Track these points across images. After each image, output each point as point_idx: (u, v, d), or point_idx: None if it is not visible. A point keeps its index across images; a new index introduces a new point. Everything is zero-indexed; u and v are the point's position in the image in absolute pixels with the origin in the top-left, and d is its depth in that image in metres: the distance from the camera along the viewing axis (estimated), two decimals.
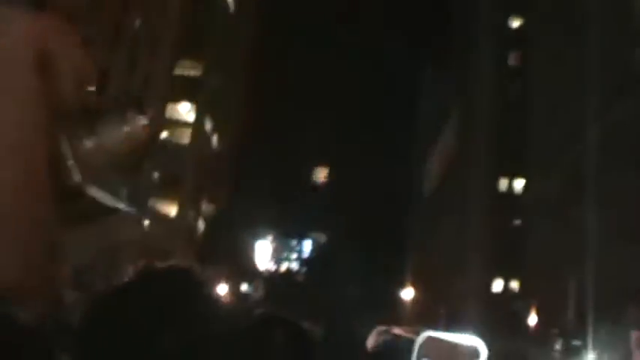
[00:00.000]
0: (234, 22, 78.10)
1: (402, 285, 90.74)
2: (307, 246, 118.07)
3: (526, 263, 59.96)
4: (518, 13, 76.16)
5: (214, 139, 74.61)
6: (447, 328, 69.43)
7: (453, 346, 2.74)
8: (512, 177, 72.80)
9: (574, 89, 50.86)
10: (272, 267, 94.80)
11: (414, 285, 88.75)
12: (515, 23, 77.53)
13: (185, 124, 66.78)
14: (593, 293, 38.82)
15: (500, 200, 71.23)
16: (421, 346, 3.01)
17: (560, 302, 43.66)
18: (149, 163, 39.49)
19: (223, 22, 73.15)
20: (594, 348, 37.61)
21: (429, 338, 3.04)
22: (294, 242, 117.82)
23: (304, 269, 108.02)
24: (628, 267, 36.02)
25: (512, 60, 76.66)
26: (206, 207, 73.31)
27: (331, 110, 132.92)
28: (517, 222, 67.88)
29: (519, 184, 71.81)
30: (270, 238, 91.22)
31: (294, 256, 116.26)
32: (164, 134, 48.98)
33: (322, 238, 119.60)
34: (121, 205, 1.55)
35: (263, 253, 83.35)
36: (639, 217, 37.19)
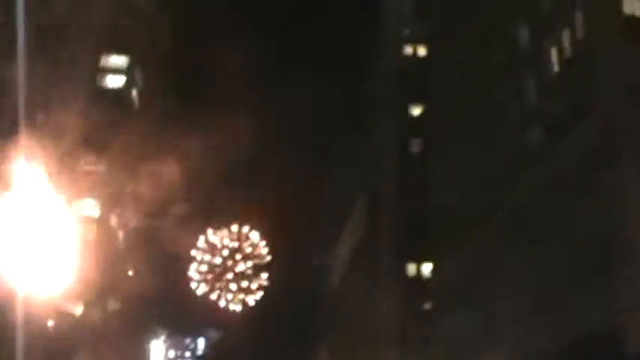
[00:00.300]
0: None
1: None
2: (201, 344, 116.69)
3: (435, 346, 60.22)
4: (419, 100, 77.99)
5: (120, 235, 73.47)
6: None
7: None
8: (419, 262, 73.56)
9: (475, 172, 52.13)
10: None
11: None
12: (417, 111, 79.40)
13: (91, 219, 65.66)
14: None
15: (409, 285, 71.75)
16: None
17: None
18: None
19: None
20: None
21: None
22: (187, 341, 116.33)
23: None
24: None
25: (414, 147, 78.19)
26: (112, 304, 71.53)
27: None
28: (427, 306, 68.36)
29: (427, 268, 72.56)
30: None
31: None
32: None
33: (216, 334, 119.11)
34: None
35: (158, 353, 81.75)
36: (541, 295, 37.96)
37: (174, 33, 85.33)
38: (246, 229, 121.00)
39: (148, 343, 71.71)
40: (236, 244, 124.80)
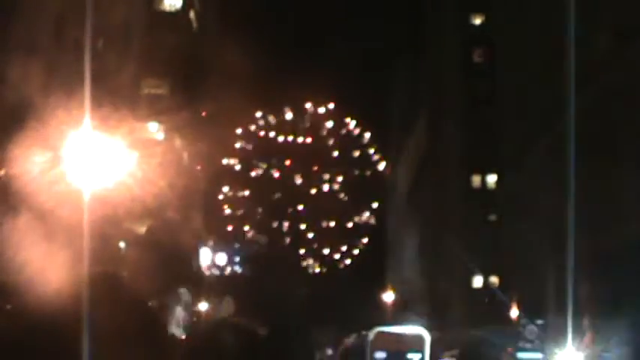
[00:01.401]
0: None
1: (382, 287, 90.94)
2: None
3: (504, 258, 60.37)
4: (480, 10, 76.80)
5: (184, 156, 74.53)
6: (430, 324, 69.93)
7: (401, 337, 2.83)
8: (484, 173, 73.36)
9: (539, 82, 51.35)
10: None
11: (393, 287, 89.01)
12: (478, 20, 78.18)
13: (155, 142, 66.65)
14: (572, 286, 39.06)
15: (475, 196, 71.78)
16: (373, 340, 3.10)
17: (541, 294, 43.97)
18: None
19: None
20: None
21: (379, 333, 3.14)
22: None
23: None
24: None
25: (477, 57, 77.28)
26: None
27: None
28: (492, 217, 68.39)
29: (492, 179, 72.36)
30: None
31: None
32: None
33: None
34: None
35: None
36: (606, 206, 37.60)
37: None
38: None
39: (198, 250, 73.78)
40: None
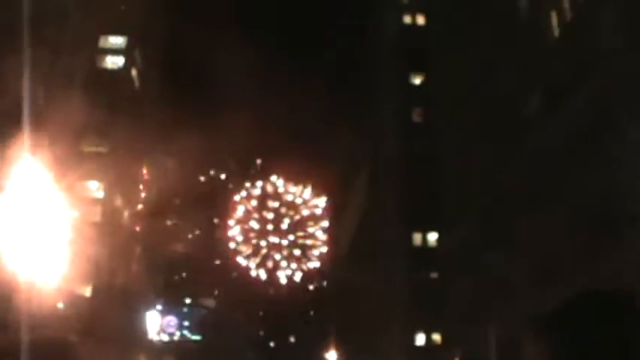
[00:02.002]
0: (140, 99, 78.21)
1: (326, 348, 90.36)
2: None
3: (446, 314, 60.52)
4: (419, 70, 78.00)
5: (125, 214, 73.81)
6: None
7: None
8: (425, 231, 73.81)
9: (477, 140, 52.22)
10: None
11: (337, 347, 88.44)
12: (417, 80, 79.37)
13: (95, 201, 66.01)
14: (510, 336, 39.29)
15: (416, 255, 72.07)
16: None
17: (484, 349, 44.15)
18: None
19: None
20: None
21: None
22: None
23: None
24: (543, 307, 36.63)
25: (416, 116, 78.23)
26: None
27: None
28: (434, 275, 68.68)
29: (432, 237, 72.85)
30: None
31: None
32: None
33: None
34: None
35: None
36: (550, 259, 38.13)
37: (171, 12, 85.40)
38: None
39: (145, 313, 72.39)
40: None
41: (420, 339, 71.49)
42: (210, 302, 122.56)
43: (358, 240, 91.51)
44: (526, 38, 43.71)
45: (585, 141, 35.24)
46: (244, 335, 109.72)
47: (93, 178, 64.94)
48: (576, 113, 36.55)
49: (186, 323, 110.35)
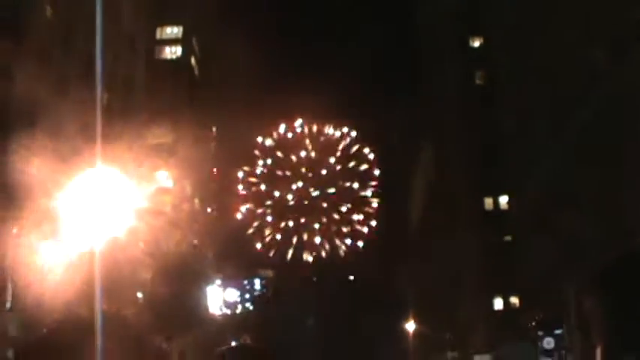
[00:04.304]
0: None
1: (405, 318, 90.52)
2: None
3: (523, 277, 60.10)
4: (478, 33, 77.17)
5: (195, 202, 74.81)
6: (455, 351, 69.12)
7: None
8: (495, 194, 73.28)
9: (541, 99, 51.54)
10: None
11: (415, 318, 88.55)
12: (477, 43, 78.52)
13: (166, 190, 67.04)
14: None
15: (488, 219, 71.64)
16: None
17: (563, 310, 43.81)
18: None
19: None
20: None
21: None
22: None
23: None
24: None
25: (479, 79, 77.50)
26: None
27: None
28: (507, 238, 68.21)
29: (503, 200, 72.29)
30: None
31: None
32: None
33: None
34: None
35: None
36: (621, 214, 37.56)
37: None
38: None
39: (205, 289, 73.23)
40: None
41: (498, 303, 71.19)
42: (268, 272, 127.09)
43: (429, 210, 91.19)
44: None
45: None
46: (303, 304, 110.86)
47: (161, 169, 65.90)
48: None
49: (247, 296, 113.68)
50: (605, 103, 39.87)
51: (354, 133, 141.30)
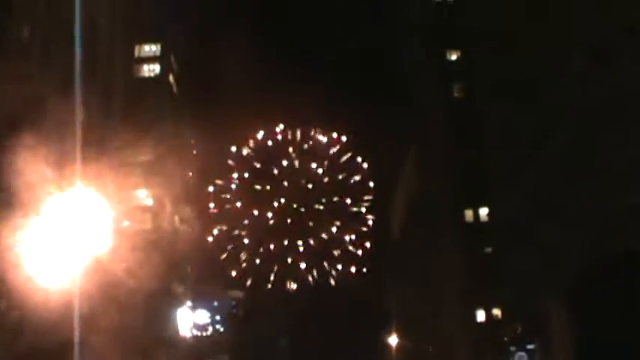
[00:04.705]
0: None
1: (387, 332, 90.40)
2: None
3: (504, 288, 60.21)
4: (454, 46, 77.49)
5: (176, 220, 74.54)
6: None
7: None
8: (475, 206, 73.43)
9: (522, 109, 51.77)
10: None
11: (398, 332, 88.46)
12: (454, 56, 78.84)
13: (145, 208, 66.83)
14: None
15: (469, 230, 71.75)
16: None
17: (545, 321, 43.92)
18: None
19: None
20: None
21: None
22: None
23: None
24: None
25: (457, 92, 77.78)
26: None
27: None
28: (488, 249, 68.31)
29: (484, 212, 72.45)
30: None
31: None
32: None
33: None
34: None
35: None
36: (603, 224, 37.72)
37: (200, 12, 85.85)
38: None
39: (175, 311, 72.44)
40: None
41: (481, 315, 71.20)
42: (238, 293, 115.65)
43: (410, 224, 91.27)
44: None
45: (634, 98, 34.74)
46: (275, 323, 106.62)
47: (141, 187, 65.68)
48: (624, 72, 35.97)
49: (217, 317, 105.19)
50: (586, 112, 40.11)
51: (344, 139, 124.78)
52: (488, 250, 68.06)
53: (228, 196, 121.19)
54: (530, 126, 50.00)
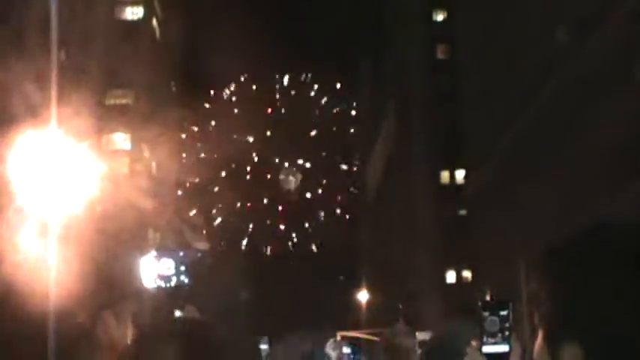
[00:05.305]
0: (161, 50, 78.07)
1: (357, 288, 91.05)
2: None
3: (475, 251, 60.71)
4: (442, 6, 77.22)
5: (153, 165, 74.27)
6: (407, 323, 70.09)
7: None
8: (452, 168, 73.76)
9: (502, 76, 51.80)
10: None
11: (369, 288, 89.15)
12: (440, 16, 78.58)
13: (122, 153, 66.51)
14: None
15: (444, 192, 72.16)
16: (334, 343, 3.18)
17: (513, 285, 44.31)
18: None
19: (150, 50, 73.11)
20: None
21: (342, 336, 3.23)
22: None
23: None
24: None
25: (441, 53, 77.68)
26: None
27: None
28: (462, 212, 68.76)
29: (460, 174, 72.79)
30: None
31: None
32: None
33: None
34: None
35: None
36: (577, 191, 38.00)
37: None
38: None
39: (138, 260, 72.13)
40: None
41: (451, 276, 71.92)
42: (205, 245, 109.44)
43: (386, 182, 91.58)
44: None
45: (612, 71, 34.80)
46: (241, 277, 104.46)
47: (119, 131, 65.32)
48: (605, 44, 36.01)
49: (182, 268, 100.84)
50: (566, 82, 40.21)
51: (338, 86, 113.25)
52: (463, 212, 68.55)
53: (203, 145, 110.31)
54: (508, 93, 50.10)
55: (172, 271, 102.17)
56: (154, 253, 79.17)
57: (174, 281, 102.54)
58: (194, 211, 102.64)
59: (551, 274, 1.91)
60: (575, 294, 1.83)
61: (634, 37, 32.89)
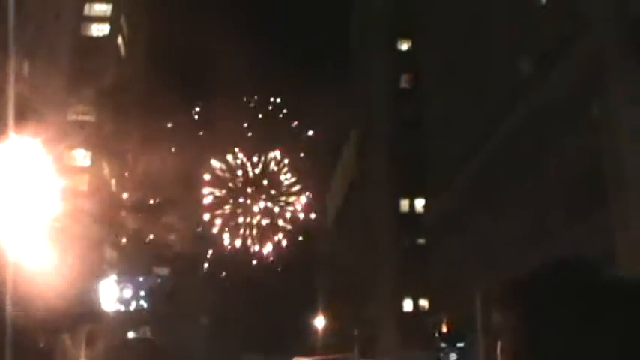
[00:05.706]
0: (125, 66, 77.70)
1: (313, 314, 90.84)
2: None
3: (432, 280, 60.89)
4: (407, 36, 77.77)
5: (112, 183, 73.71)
6: (363, 349, 69.63)
7: None
8: (412, 197, 74.02)
9: (466, 106, 52.26)
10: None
11: (325, 313, 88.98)
12: (405, 46, 79.15)
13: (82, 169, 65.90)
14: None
15: (403, 221, 72.33)
16: None
17: (469, 314, 44.52)
18: None
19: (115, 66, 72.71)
20: None
21: None
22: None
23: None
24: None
25: (405, 82, 78.12)
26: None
27: None
28: (421, 241, 68.97)
29: (420, 203, 73.07)
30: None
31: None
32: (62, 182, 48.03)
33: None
34: None
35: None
36: (535, 223, 38.35)
37: None
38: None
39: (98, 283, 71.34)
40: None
41: (408, 305, 71.99)
42: (164, 270, 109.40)
43: (346, 208, 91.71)
44: (515, 2, 43.65)
45: (572, 105, 35.31)
46: (199, 302, 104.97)
47: (80, 147, 64.75)
48: (565, 78, 36.56)
49: (141, 293, 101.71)
50: (528, 114, 40.68)
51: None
52: (421, 241, 68.76)
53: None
54: (471, 123, 50.53)
55: (131, 296, 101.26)
56: (114, 277, 78.64)
57: (133, 305, 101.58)
58: (151, 237, 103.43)
59: (517, 306, 1.99)
60: (541, 326, 1.91)
61: (592, 73, 33.48)
